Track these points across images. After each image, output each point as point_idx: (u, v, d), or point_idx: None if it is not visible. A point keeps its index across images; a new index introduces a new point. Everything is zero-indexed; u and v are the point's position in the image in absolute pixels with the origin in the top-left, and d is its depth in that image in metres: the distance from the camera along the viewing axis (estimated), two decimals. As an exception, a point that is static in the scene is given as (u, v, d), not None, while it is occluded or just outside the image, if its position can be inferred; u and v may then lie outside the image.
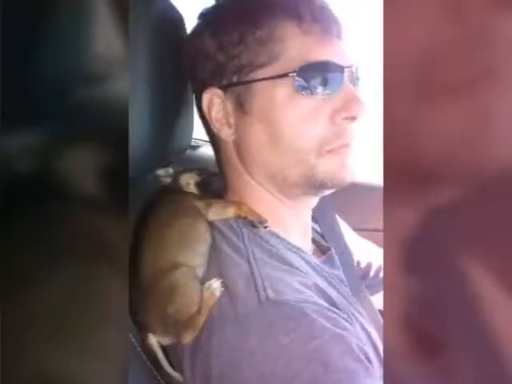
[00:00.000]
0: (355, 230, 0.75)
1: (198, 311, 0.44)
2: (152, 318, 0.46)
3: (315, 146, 0.48)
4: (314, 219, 0.64)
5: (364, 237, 0.76)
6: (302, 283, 0.46)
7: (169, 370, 0.46)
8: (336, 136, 0.49)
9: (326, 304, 0.45)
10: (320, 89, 0.47)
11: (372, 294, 0.69)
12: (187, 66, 0.53)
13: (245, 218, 0.50)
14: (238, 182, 0.54)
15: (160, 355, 0.46)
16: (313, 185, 0.50)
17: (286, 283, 0.45)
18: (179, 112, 0.57)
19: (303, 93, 0.47)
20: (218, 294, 0.44)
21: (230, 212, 0.51)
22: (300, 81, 0.47)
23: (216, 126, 0.52)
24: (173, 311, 0.45)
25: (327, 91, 0.48)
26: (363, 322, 0.52)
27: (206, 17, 0.53)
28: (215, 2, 0.62)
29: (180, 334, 0.44)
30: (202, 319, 0.44)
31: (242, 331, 0.41)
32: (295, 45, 0.48)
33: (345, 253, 0.65)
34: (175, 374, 0.46)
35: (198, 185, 0.53)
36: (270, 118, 0.49)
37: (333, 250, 0.61)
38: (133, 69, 0.45)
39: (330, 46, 0.49)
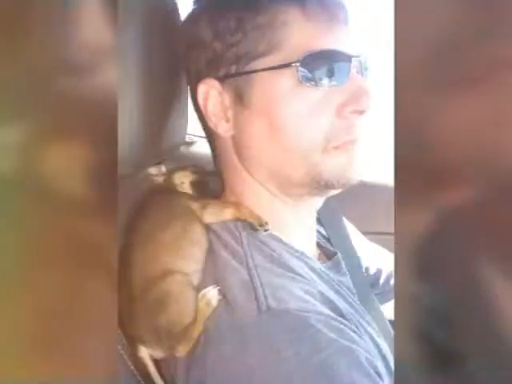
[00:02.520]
0: (364, 233, 0.75)
1: (193, 322, 0.44)
2: (143, 329, 0.46)
3: (320, 142, 0.48)
4: (319, 222, 0.64)
5: (373, 241, 0.76)
6: (306, 291, 0.46)
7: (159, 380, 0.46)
8: (343, 131, 0.49)
9: (332, 314, 0.45)
10: (325, 80, 0.47)
11: (382, 303, 0.69)
12: (181, 56, 0.53)
13: (244, 221, 0.50)
14: (236, 182, 0.54)
15: (152, 369, 0.46)
16: (318, 184, 0.50)
17: (289, 291, 0.45)
18: (172, 105, 0.57)
19: (307, 84, 0.47)
20: (214, 303, 0.45)
21: (228, 214, 0.51)
22: (304, 71, 0.47)
23: (212, 121, 0.52)
24: (165, 322, 0.45)
25: (333, 82, 0.48)
26: (372, 333, 0.52)
27: (201, 1, 0.53)
28: None
29: (173, 347, 0.44)
30: (197, 331, 0.44)
31: (241, 343, 0.41)
32: (299, 32, 0.48)
33: (352, 258, 0.65)
34: None
35: (193, 184, 0.53)
36: (271, 112, 0.49)
37: (339, 254, 0.61)
38: (121, 59, 0.45)
39: (337, 33, 0.49)
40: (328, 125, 0.48)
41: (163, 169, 0.55)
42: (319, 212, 0.59)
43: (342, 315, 0.47)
